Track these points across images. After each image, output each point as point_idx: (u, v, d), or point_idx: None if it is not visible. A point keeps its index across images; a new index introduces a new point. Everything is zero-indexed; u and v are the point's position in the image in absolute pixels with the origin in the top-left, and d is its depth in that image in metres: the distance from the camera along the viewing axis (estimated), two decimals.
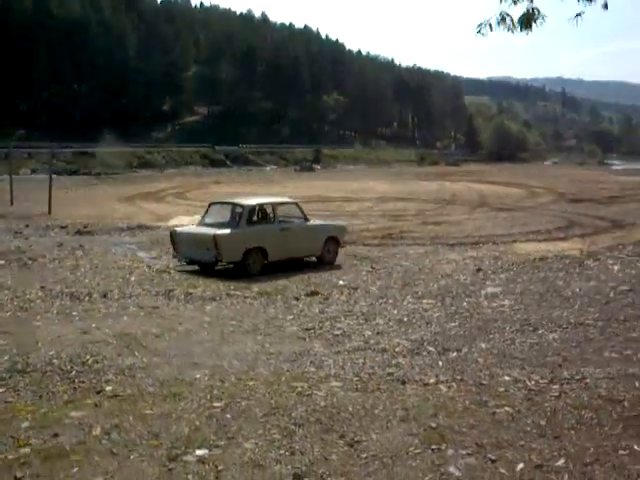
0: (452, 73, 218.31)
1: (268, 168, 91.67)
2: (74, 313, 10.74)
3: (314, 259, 16.81)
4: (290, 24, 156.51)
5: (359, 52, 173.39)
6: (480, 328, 9.69)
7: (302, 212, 16.94)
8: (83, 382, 7.19)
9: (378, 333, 9.58)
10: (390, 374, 7.47)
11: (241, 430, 5.82)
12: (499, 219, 27.28)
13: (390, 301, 11.97)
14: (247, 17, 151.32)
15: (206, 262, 15.19)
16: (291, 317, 10.79)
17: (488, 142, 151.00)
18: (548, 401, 6.49)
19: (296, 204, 17.40)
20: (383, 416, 6.15)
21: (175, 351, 8.51)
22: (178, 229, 16.53)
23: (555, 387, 6.91)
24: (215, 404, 6.47)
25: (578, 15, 5.99)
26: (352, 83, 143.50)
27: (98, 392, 6.86)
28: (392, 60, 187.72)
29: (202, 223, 16.30)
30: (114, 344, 8.75)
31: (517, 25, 6.00)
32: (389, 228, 24.17)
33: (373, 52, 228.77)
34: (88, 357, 8.07)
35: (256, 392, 6.84)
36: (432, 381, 7.21)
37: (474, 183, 53.55)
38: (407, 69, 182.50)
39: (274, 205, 16.45)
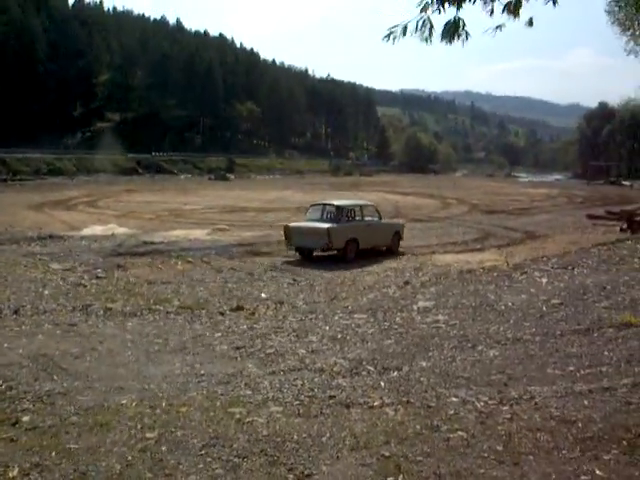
0: (365, 84, 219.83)
1: (182, 177, 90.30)
2: None
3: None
4: (205, 32, 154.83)
5: (273, 62, 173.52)
6: (418, 345, 9.39)
7: (378, 213, 21.94)
8: None
9: (312, 351, 9.16)
10: (332, 397, 7.06)
11: (179, 465, 5.31)
12: (415, 230, 27.21)
13: (320, 316, 11.58)
14: (161, 23, 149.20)
15: (316, 248, 19.49)
16: (219, 334, 10.25)
17: (400, 153, 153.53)
18: (501, 424, 6.22)
19: (373, 206, 22.55)
20: (332, 444, 5.74)
21: (98, 374, 7.87)
22: (291, 224, 20.52)
23: (505, 408, 6.66)
24: (147, 435, 5.92)
25: (498, 27, 5.65)
26: (266, 93, 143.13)
27: (14, 424, 6.18)
28: (306, 70, 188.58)
29: (308, 219, 20.66)
30: (29, 367, 8.04)
31: (439, 35, 5.43)
32: None
33: (287, 62, 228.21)
34: (0, 382, 7.37)
35: (191, 420, 6.32)
36: (377, 404, 6.84)
37: (388, 194, 53.76)
38: (320, 80, 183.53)
39: (361, 206, 21.61)
